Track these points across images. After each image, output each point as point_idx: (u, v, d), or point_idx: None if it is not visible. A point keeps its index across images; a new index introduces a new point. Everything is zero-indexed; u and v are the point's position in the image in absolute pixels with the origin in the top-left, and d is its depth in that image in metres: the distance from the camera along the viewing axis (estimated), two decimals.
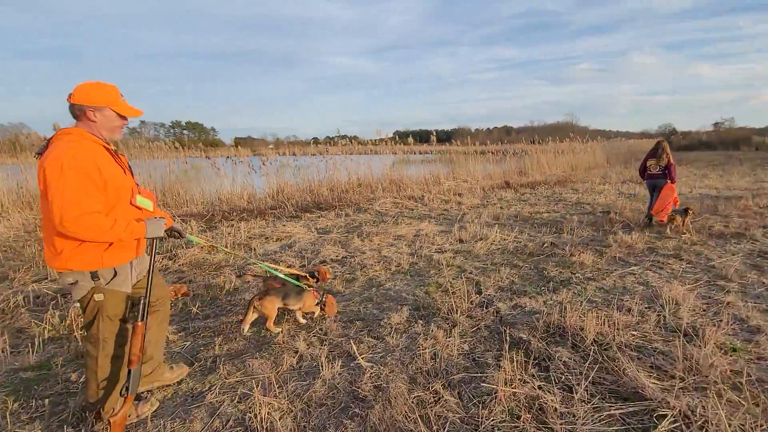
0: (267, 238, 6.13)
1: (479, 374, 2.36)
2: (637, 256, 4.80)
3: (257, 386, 2.25)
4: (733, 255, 4.73)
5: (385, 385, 2.24)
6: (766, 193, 9.25)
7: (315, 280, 3.31)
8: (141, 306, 1.91)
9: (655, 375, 2.35)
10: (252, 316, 2.91)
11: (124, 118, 1.91)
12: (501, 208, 8.64)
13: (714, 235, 5.67)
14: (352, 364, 2.49)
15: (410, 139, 16.42)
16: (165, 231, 2.00)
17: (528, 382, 2.24)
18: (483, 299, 3.58)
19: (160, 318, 2.25)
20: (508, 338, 2.72)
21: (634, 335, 2.85)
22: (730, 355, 2.58)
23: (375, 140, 16.83)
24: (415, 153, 18.05)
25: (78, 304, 1.93)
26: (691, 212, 5.92)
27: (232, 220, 7.80)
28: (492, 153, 21.30)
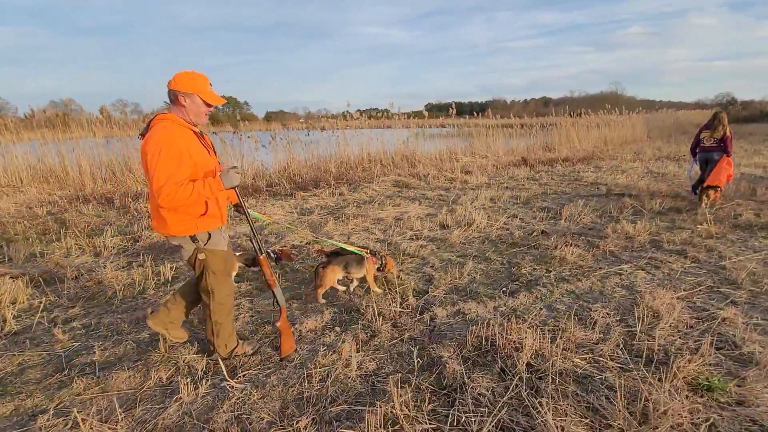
0: (241, 219, 5.87)
1: (364, 408, 1.91)
2: (634, 251, 4.09)
3: (98, 409, 1.96)
4: (755, 253, 3.92)
5: (246, 416, 1.87)
6: None
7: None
8: (254, 243, 2.34)
9: (586, 422, 1.84)
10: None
11: (209, 105, 2.11)
12: (507, 188, 7.91)
13: (739, 226, 4.78)
14: (223, 384, 2.14)
15: (425, 113, 15.50)
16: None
17: (419, 423, 1.81)
18: (423, 302, 3.11)
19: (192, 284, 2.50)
20: (420, 358, 2.27)
21: (583, 360, 2.31)
22: (701, 396, 2.00)
23: (397, 114, 16.03)
24: (429, 126, 17.06)
25: (188, 262, 2.26)
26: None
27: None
28: (520, 126, 19.89)
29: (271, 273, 2.38)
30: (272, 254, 3.36)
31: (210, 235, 2.19)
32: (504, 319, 2.75)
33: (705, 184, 5.50)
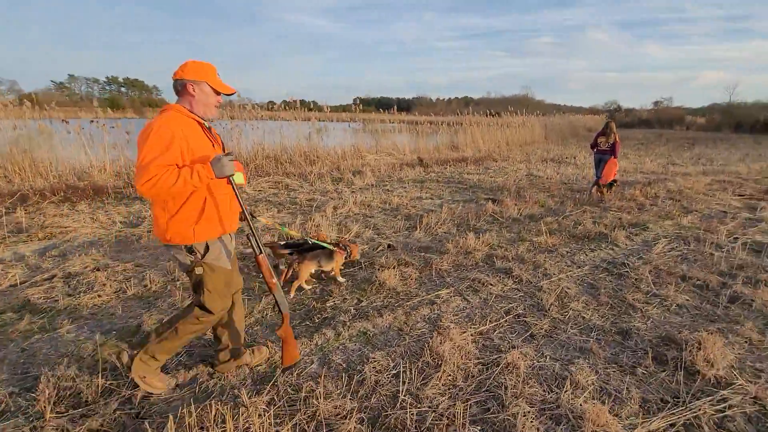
0: (29, 233, 4.61)
1: None
2: (464, 271, 3.75)
3: None
4: (578, 268, 3.79)
5: None
6: (664, 179, 8.58)
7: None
8: (252, 241, 2.00)
9: None
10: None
11: (218, 94, 1.92)
12: (387, 191, 7.46)
13: (575, 236, 4.74)
14: None
15: (326, 108, 14.71)
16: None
17: None
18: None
19: (237, 311, 2.23)
20: None
21: None
22: None
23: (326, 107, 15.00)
24: (331, 120, 16.30)
25: (186, 274, 1.98)
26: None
27: (53, 200, 6.15)
28: (429, 124, 20.03)
29: (271, 274, 2.06)
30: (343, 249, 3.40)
31: (208, 246, 1.91)
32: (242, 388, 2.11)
33: (601, 183, 6.71)
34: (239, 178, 1.91)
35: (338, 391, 2.11)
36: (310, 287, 3.39)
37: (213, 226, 1.89)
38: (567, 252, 4.22)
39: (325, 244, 3.30)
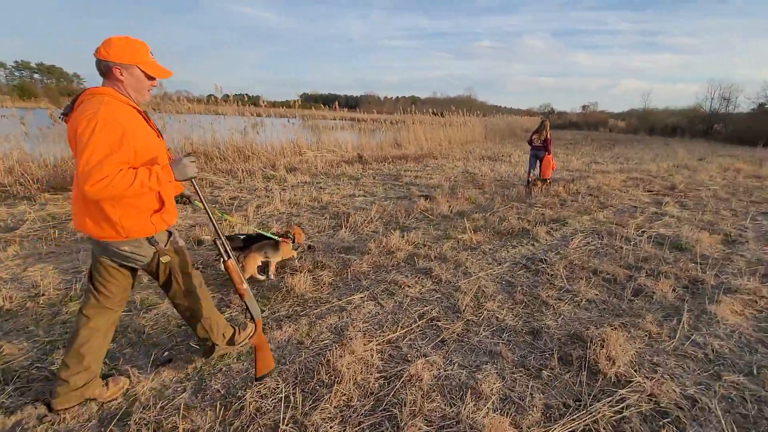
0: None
1: None
2: (382, 272, 3.53)
3: None
4: (498, 266, 3.72)
5: None
6: (586, 176, 9.09)
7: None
8: (219, 246, 1.88)
9: None
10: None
11: (152, 78, 1.71)
12: (320, 188, 7.09)
13: (500, 232, 4.73)
14: None
15: (263, 102, 13.93)
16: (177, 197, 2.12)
17: None
18: None
19: (111, 320, 1.91)
20: None
21: None
22: None
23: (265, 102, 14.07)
24: (268, 116, 15.56)
25: (145, 269, 1.83)
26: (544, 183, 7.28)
27: None
28: (373, 122, 19.94)
29: (241, 280, 1.91)
30: (288, 237, 3.30)
31: (170, 233, 1.86)
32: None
33: (541, 177, 7.30)
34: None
35: (208, 425, 1.76)
36: (264, 278, 3.29)
37: (171, 216, 1.84)
38: (489, 249, 4.17)
39: (269, 234, 3.22)
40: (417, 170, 9.95)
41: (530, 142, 7.47)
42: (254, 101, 14.31)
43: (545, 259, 3.89)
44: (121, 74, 1.61)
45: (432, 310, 2.89)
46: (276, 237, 3.22)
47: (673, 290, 3.30)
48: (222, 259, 1.88)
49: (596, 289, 3.31)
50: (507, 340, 2.56)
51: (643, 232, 4.85)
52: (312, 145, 13.65)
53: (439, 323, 2.72)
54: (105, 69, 1.60)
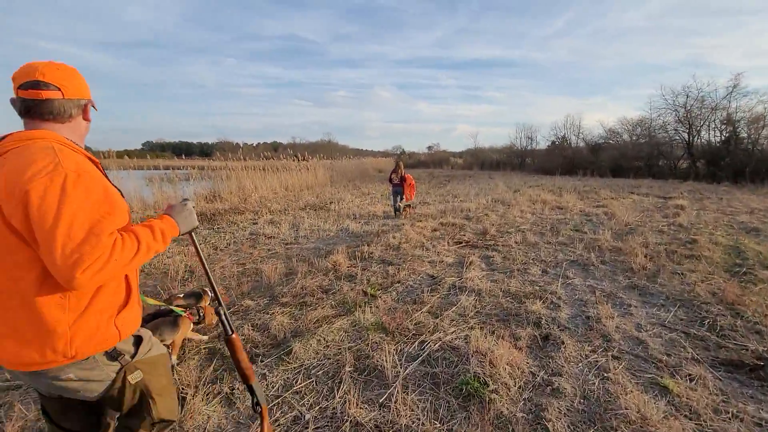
0: None
1: None
2: None
3: None
4: None
5: None
6: (396, 229, 7.38)
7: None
8: (222, 317, 1.47)
9: None
10: None
11: (88, 119, 1.28)
12: None
13: None
14: None
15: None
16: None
17: None
18: None
19: None
20: None
21: None
22: None
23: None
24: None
25: (100, 401, 1.19)
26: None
27: None
28: (200, 169, 16.50)
29: (248, 359, 1.52)
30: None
31: (139, 338, 1.25)
32: None
33: (403, 204, 8.44)
34: None
35: None
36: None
37: (137, 309, 1.26)
38: None
39: (174, 308, 2.44)
40: (205, 233, 6.88)
41: (390, 180, 8.85)
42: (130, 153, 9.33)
43: None
44: (75, 112, 1.18)
45: None
46: (179, 310, 2.43)
47: None
48: (225, 335, 1.49)
49: None
50: None
51: (424, 346, 2.75)
52: None
53: None
54: (75, 109, 1.18)
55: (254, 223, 8.25)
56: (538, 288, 3.97)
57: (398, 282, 4.12)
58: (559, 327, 3.09)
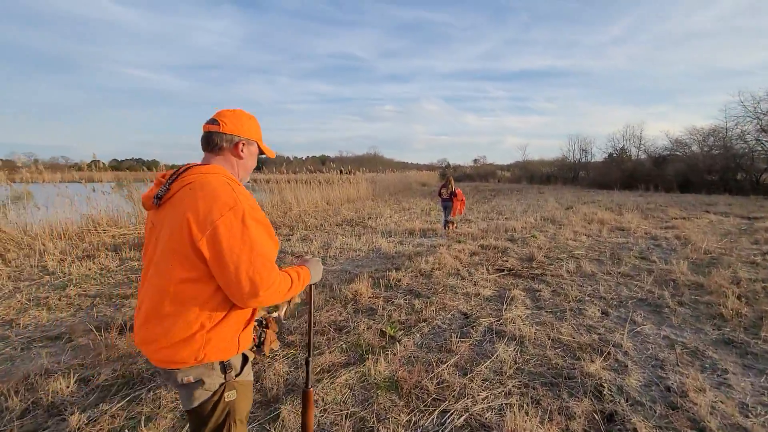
0: None
1: None
2: None
3: None
4: None
5: None
6: (434, 250, 6.76)
7: None
8: (306, 367, 1.52)
9: None
10: None
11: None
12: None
13: None
14: None
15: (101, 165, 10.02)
16: None
17: None
18: None
19: None
20: None
21: None
22: None
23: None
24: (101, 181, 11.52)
25: (196, 409, 1.20)
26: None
27: None
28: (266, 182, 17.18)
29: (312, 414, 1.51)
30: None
31: (245, 357, 1.30)
32: None
33: (450, 221, 8.58)
34: None
35: None
36: None
37: (251, 331, 1.31)
38: None
39: None
40: None
41: (440, 195, 8.84)
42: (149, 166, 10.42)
43: None
44: (242, 151, 1.32)
45: None
46: None
47: None
48: (304, 387, 1.49)
49: None
50: None
51: (444, 420, 2.17)
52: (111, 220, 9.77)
53: None
54: (226, 144, 1.29)
55: (287, 240, 8.08)
56: (597, 337, 3.21)
57: (424, 320, 3.54)
58: (627, 400, 2.35)
